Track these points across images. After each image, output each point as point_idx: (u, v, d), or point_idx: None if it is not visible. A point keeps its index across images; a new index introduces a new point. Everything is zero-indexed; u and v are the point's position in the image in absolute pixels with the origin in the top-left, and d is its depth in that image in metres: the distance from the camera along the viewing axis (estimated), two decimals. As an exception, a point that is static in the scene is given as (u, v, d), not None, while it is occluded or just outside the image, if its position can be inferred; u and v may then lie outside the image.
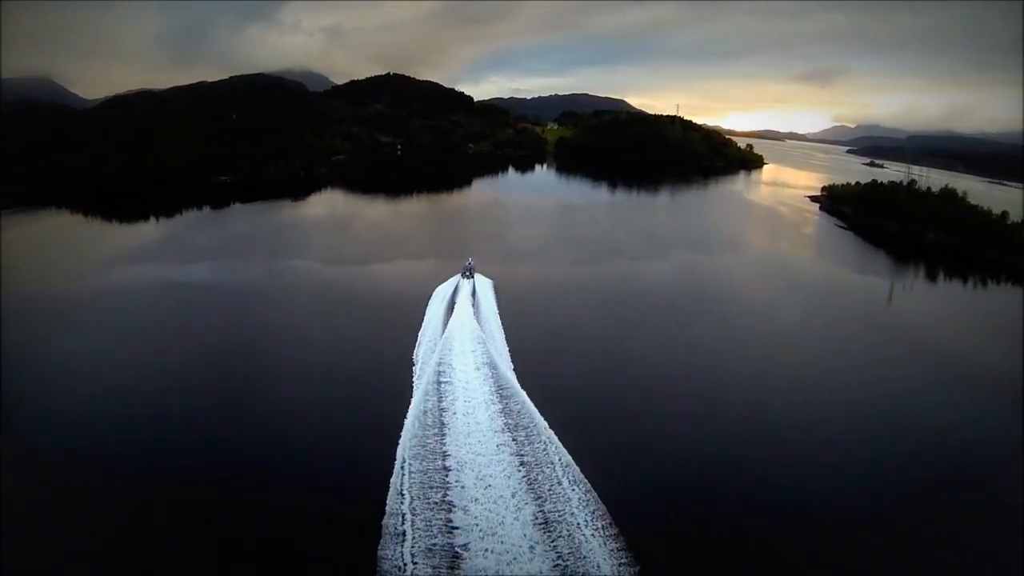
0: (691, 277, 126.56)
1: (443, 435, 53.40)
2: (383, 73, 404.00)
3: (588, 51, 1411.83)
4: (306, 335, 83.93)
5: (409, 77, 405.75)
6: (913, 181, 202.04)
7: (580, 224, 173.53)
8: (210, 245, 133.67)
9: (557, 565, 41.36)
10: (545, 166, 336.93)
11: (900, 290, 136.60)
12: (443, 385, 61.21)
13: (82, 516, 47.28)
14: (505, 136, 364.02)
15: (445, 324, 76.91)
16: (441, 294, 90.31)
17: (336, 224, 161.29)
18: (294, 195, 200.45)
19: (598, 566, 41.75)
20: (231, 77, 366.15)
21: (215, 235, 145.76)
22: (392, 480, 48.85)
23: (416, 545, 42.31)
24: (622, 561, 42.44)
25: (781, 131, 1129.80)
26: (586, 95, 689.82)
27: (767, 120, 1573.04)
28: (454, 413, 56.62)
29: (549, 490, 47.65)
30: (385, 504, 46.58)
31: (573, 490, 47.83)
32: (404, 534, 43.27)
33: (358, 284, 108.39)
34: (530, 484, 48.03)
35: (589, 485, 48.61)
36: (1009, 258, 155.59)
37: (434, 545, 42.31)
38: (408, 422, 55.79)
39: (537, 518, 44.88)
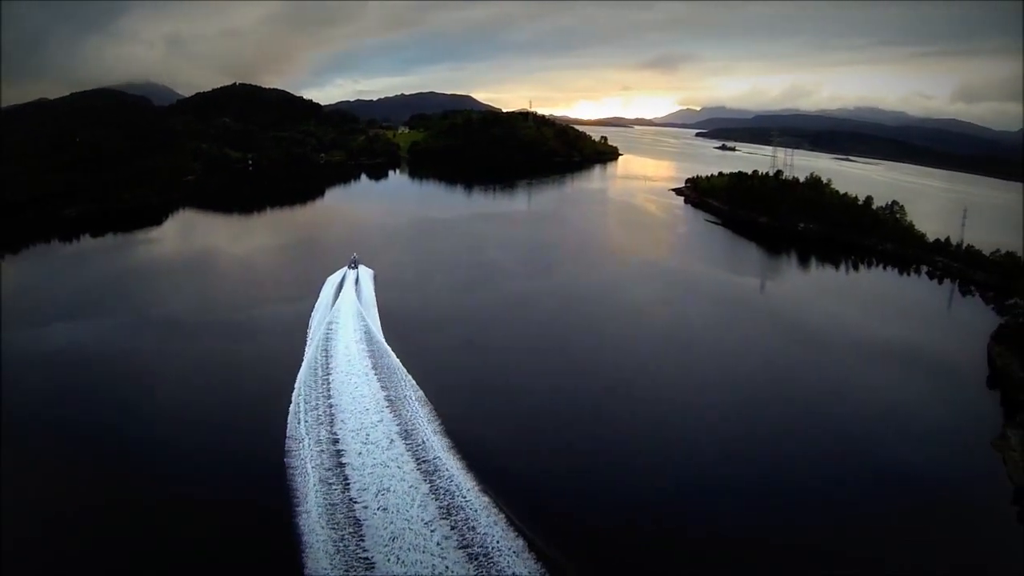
0: (576, 298, 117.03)
1: (328, 379, 72.12)
2: (229, 83, 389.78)
3: (433, 49, 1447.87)
4: (215, 315, 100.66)
5: (256, 86, 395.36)
6: (780, 172, 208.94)
7: (448, 244, 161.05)
8: (72, 296, 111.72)
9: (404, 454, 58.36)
10: (399, 172, 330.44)
11: (786, 285, 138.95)
12: (329, 342, 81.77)
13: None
14: (358, 144, 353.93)
15: (334, 301, 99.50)
16: (332, 281, 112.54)
17: (209, 249, 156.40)
18: (150, 224, 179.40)
19: (449, 473, 55.95)
20: (72, 94, 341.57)
21: (74, 283, 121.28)
22: (289, 415, 65.22)
23: (311, 462, 57.42)
24: (457, 462, 57.91)
25: (628, 117, 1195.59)
26: (432, 93, 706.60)
27: (614, 107, 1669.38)
28: (336, 363, 76.04)
29: (401, 404, 66.92)
30: (286, 429, 62.70)
31: (420, 406, 66.96)
32: (303, 457, 58.36)
33: (256, 282, 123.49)
34: (388, 401, 67.27)
35: (427, 397, 68.80)
36: (882, 245, 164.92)
37: (324, 467, 56.65)
38: (301, 370, 74.94)
39: (392, 423, 63.02)
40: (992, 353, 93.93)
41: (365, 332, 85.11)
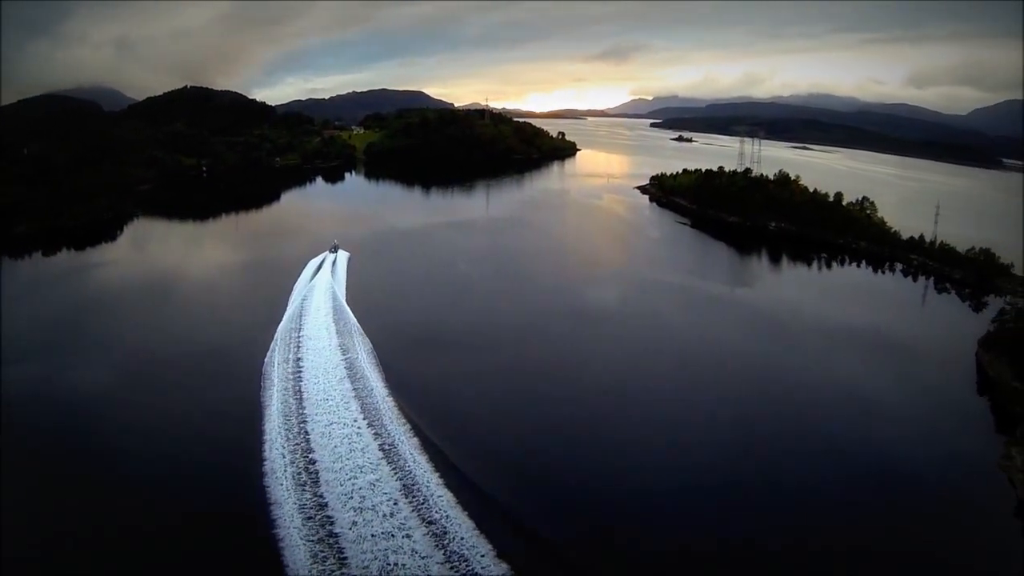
0: (555, 311, 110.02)
1: (300, 329, 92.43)
2: (180, 86, 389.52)
3: (383, 45, 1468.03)
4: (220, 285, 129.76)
5: (207, 89, 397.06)
6: (748, 170, 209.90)
7: (417, 258, 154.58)
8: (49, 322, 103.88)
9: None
10: (355, 173, 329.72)
11: (764, 288, 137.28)
12: (304, 304, 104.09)
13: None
14: (313, 146, 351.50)
15: (313, 276, 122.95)
16: (315, 262, 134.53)
17: (177, 259, 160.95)
18: (108, 240, 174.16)
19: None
20: (19, 101, 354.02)
21: (48, 307, 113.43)
22: (265, 358, 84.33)
23: (277, 402, 72.00)
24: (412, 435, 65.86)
25: (580, 109, 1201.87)
26: (384, 90, 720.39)
27: (566, 99, 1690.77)
28: (307, 319, 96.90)
29: (353, 357, 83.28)
30: (261, 372, 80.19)
31: (371, 365, 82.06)
32: (271, 398, 73.19)
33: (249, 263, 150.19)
34: (343, 353, 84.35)
35: (372, 345, 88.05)
36: (856, 243, 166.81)
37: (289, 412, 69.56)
38: (281, 323, 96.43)
39: (344, 375, 78.25)
40: (982, 361, 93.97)
41: (333, 301, 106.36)
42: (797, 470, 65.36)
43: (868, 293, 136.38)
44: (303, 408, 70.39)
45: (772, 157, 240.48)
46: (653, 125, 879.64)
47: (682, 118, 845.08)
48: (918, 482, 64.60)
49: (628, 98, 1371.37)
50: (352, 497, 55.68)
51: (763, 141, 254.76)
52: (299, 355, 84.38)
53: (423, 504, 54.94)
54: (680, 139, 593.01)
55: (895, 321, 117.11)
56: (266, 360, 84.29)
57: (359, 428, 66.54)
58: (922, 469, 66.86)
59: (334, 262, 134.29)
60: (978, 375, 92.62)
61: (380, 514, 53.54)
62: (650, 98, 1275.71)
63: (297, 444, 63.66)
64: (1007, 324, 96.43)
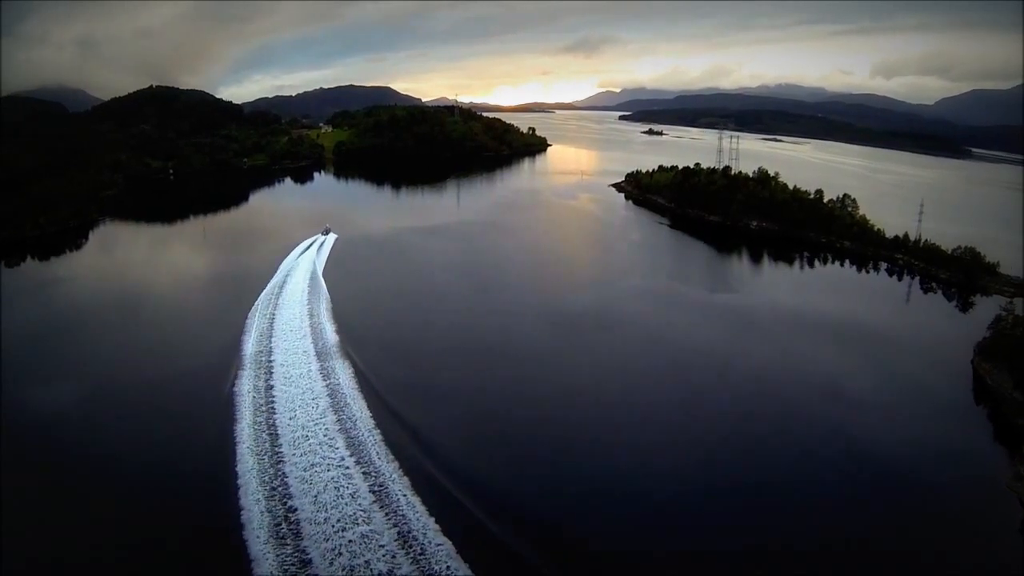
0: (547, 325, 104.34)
1: (280, 296, 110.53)
2: (145, 86, 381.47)
3: (350, 41, 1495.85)
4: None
5: (173, 88, 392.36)
6: (728, 167, 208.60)
7: (394, 274, 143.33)
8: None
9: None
10: (324, 172, 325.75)
11: (751, 291, 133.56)
12: (288, 275, 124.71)
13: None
14: (281, 146, 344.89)
15: (302, 253, 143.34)
16: (307, 241, 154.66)
17: (157, 265, 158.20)
18: (75, 248, 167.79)
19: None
20: None
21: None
22: (247, 320, 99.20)
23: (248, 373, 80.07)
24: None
25: (549, 102, 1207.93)
26: (352, 86, 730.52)
27: (534, 92, 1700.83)
28: (287, 285, 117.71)
29: (317, 324, 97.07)
30: (231, 399, 73.66)
31: (354, 389, 76.39)
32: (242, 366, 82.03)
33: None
34: (311, 318, 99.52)
35: (353, 367, 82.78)
36: (840, 242, 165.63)
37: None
38: (263, 292, 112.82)
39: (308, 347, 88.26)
40: (979, 369, 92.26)
41: (312, 273, 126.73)
42: (790, 475, 65.12)
43: (856, 294, 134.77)
44: (279, 447, 64.12)
45: (744, 150, 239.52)
46: (622, 118, 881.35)
47: (651, 110, 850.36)
48: (922, 497, 63.72)
49: (596, 90, 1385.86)
50: (341, 554, 50.61)
51: (733, 133, 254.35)
52: (271, 381, 77.94)
53: (421, 555, 50.28)
54: (650, 132, 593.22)
55: (886, 324, 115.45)
56: (235, 387, 77.50)
57: (346, 468, 60.73)
58: (925, 481, 66.24)
59: (322, 243, 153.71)
60: (975, 383, 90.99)
61: (375, 573, 48.70)
62: (618, 90, 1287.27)
63: (274, 488, 58.01)
64: (1005, 331, 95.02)
